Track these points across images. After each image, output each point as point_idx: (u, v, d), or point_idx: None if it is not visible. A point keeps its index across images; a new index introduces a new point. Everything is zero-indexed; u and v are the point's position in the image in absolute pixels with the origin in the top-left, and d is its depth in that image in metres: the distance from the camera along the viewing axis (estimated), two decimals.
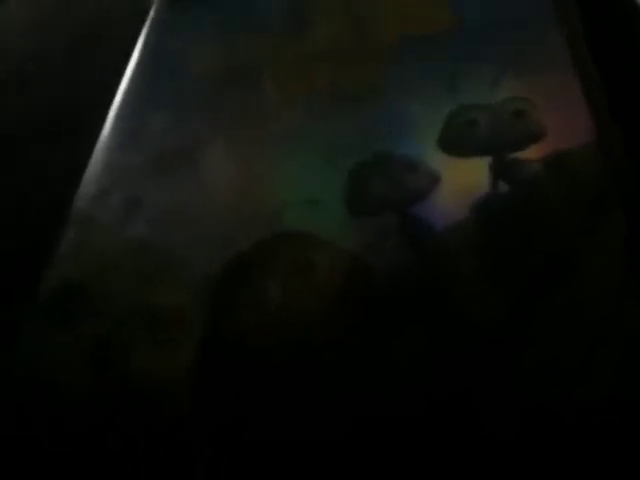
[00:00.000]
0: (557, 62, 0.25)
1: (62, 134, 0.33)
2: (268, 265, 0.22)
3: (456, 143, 0.23)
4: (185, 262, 0.23)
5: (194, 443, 0.19)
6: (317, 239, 0.22)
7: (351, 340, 0.20)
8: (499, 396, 0.18)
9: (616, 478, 0.17)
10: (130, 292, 0.23)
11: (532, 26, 0.26)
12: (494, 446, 0.18)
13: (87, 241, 0.25)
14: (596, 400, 0.18)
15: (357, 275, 0.21)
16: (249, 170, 0.25)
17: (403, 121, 0.25)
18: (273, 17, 0.31)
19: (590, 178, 0.21)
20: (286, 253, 0.22)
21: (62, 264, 0.24)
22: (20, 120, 0.36)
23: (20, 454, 0.21)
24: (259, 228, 0.23)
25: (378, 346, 0.20)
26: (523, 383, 0.18)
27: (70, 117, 0.34)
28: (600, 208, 0.21)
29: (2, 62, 0.40)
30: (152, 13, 0.34)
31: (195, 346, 0.21)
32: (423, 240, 0.21)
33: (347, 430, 0.19)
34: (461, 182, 0.22)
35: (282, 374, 0.20)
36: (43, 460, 0.20)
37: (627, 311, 0.19)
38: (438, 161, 0.23)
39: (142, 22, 0.34)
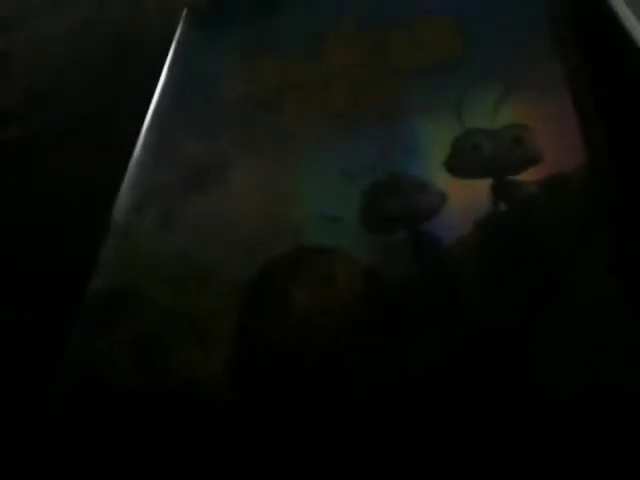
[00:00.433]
0: (555, 91, 0.26)
1: (95, 148, 0.35)
2: (293, 275, 0.24)
3: (461, 165, 0.25)
4: (216, 270, 0.25)
5: (231, 434, 0.22)
6: (337, 252, 0.24)
7: (368, 344, 0.22)
8: (508, 397, 0.20)
9: (618, 477, 0.19)
10: (167, 297, 0.25)
11: (532, 56, 0.28)
12: (504, 445, 0.20)
13: (126, 250, 0.27)
14: (599, 400, 0.19)
15: (373, 285, 0.23)
16: (273, 187, 0.27)
17: (413, 144, 0.27)
18: (294, 42, 0.33)
19: (583, 198, 0.23)
20: (309, 264, 0.24)
21: (104, 272, 0.27)
22: (54, 132, 0.38)
23: (70, 448, 0.23)
24: (283, 240, 0.25)
25: (394, 349, 0.22)
26: (530, 383, 0.20)
27: (102, 132, 0.36)
28: (592, 225, 0.22)
29: (29, 80, 0.42)
30: (178, 34, 0.36)
31: (228, 348, 0.23)
32: (432, 253, 0.23)
33: (367, 429, 0.21)
34: (466, 201, 0.24)
35: (306, 375, 0.22)
36: (92, 452, 0.23)
37: (622, 317, 0.20)
38: (445, 182, 0.25)
39: (169, 42, 0.36)
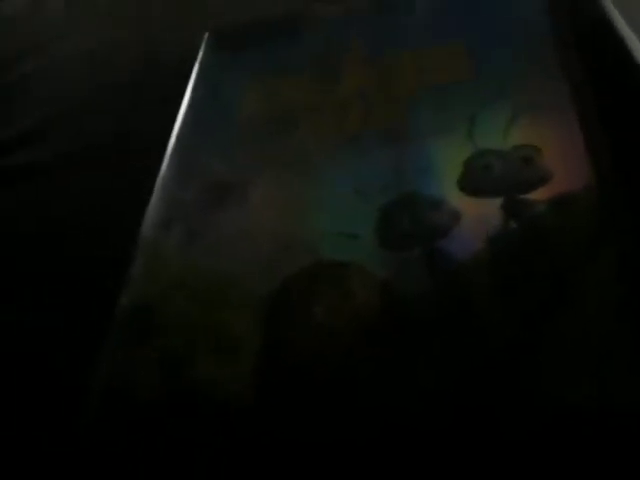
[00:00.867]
0: (562, 111, 0.27)
1: (117, 168, 0.37)
2: (311, 290, 0.25)
3: (474, 185, 0.26)
4: (238, 285, 0.26)
5: (255, 444, 0.23)
6: (353, 268, 0.25)
7: (382, 356, 0.23)
8: (516, 406, 0.21)
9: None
10: (193, 311, 0.26)
11: (540, 78, 0.29)
12: (512, 453, 0.21)
13: (154, 266, 0.28)
14: (605, 409, 0.20)
15: (389, 300, 0.24)
16: (292, 205, 0.29)
17: (427, 164, 0.28)
18: (309, 65, 0.34)
19: (590, 216, 0.24)
20: (327, 279, 0.25)
21: (133, 287, 0.28)
22: (70, 159, 0.39)
23: (104, 454, 0.24)
24: (302, 256, 0.26)
25: (406, 360, 0.23)
26: (537, 392, 0.21)
27: (124, 153, 0.37)
28: (598, 242, 0.23)
29: (46, 103, 0.43)
30: (200, 56, 0.38)
31: (252, 361, 0.24)
32: (445, 269, 0.24)
33: (380, 436, 0.22)
34: (478, 219, 0.25)
35: (324, 385, 0.23)
36: (123, 463, 0.24)
37: (628, 329, 0.21)
38: (458, 200, 0.26)
39: (191, 64, 0.37)
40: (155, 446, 0.24)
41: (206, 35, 0.39)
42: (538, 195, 0.25)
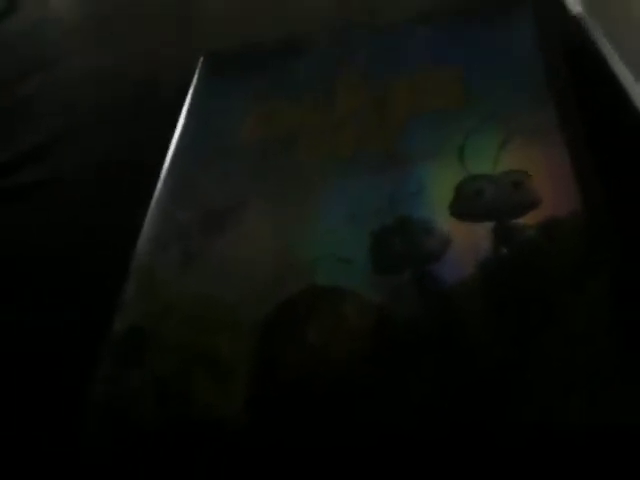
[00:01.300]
0: (551, 137, 0.28)
1: (119, 188, 0.37)
2: (306, 315, 0.26)
3: (465, 210, 0.27)
4: (233, 309, 0.27)
5: (252, 460, 0.23)
6: (347, 292, 0.26)
7: (376, 375, 0.23)
8: (504, 423, 0.21)
9: None
10: (186, 334, 0.27)
11: (530, 104, 0.29)
12: (500, 469, 0.21)
13: (147, 291, 0.29)
14: (593, 426, 0.21)
15: (381, 323, 0.25)
16: (286, 229, 0.29)
17: (419, 188, 0.28)
18: (305, 88, 0.35)
19: (578, 241, 0.25)
20: (321, 304, 0.26)
21: (127, 310, 0.28)
22: (73, 178, 0.39)
23: (101, 477, 0.24)
24: (297, 281, 0.27)
25: (398, 379, 0.23)
26: (525, 410, 0.21)
27: (125, 173, 0.37)
28: (587, 266, 0.24)
29: (49, 123, 0.43)
30: (196, 79, 0.38)
31: (246, 385, 0.24)
32: (437, 292, 0.25)
33: (374, 452, 0.22)
34: (469, 244, 0.26)
35: (318, 404, 0.23)
36: None
37: (612, 347, 0.22)
38: (449, 225, 0.26)
39: (186, 87, 0.38)
40: (151, 469, 0.24)
41: (201, 59, 0.39)
42: (528, 220, 0.26)
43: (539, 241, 0.25)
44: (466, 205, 0.27)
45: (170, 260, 0.29)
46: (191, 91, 0.37)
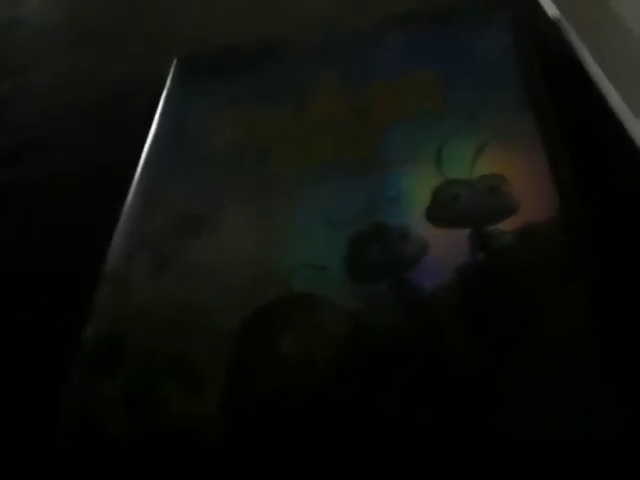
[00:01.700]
0: (529, 142, 0.28)
1: (90, 195, 0.36)
2: (282, 322, 0.25)
3: (442, 216, 0.27)
4: (207, 317, 0.26)
5: (227, 469, 0.23)
6: (323, 300, 0.25)
7: (353, 384, 0.23)
8: (479, 431, 0.21)
9: None
10: (159, 342, 0.26)
11: (508, 109, 0.29)
12: (475, 477, 0.21)
13: (119, 297, 0.28)
14: (568, 438, 0.20)
15: (357, 331, 0.24)
16: (261, 234, 0.29)
17: (396, 194, 0.28)
18: (280, 93, 0.34)
19: (555, 248, 0.24)
20: (298, 312, 0.25)
21: (98, 319, 0.28)
22: (46, 182, 0.39)
23: None
24: (272, 288, 0.26)
25: (375, 388, 0.23)
26: (500, 420, 0.21)
27: (97, 179, 0.37)
28: (564, 273, 0.24)
29: (22, 127, 0.43)
30: (169, 83, 0.37)
31: (220, 393, 0.24)
32: (414, 300, 0.25)
33: (349, 462, 0.22)
34: (446, 250, 0.25)
35: (293, 413, 0.23)
36: None
37: (590, 357, 0.21)
38: (426, 231, 0.26)
39: (159, 91, 0.37)
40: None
41: (174, 61, 0.38)
42: (505, 225, 0.26)
43: (516, 248, 0.25)
44: (442, 210, 0.27)
45: (143, 266, 0.29)
46: (164, 95, 0.37)
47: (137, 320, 0.27)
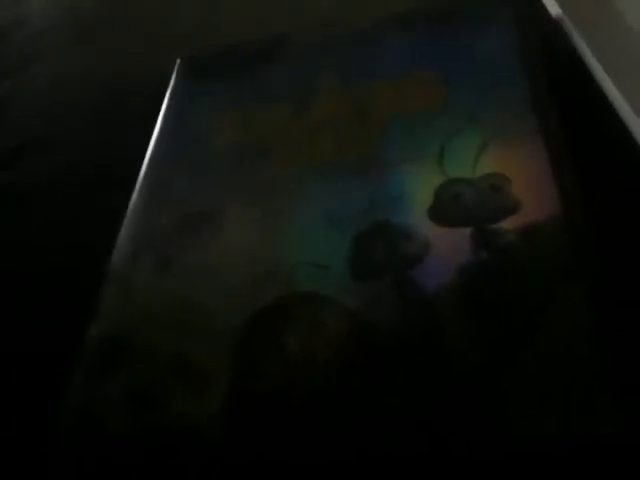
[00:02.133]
0: (531, 141, 0.28)
1: (92, 195, 0.36)
2: (285, 320, 0.25)
3: (444, 214, 0.27)
4: (209, 316, 0.26)
5: (229, 469, 0.23)
6: (325, 299, 0.25)
7: (354, 383, 0.23)
8: (478, 429, 0.21)
9: None
10: (162, 343, 0.26)
11: (510, 107, 0.29)
12: (476, 476, 0.21)
13: (123, 297, 0.28)
14: (569, 437, 0.20)
15: (360, 330, 0.24)
16: (263, 234, 0.28)
17: (398, 193, 0.28)
18: (281, 93, 0.34)
19: (558, 247, 0.24)
20: (300, 310, 0.25)
21: (102, 318, 0.27)
22: (46, 182, 0.39)
23: None
24: (274, 287, 0.26)
25: (377, 387, 0.23)
26: (501, 419, 0.21)
27: (98, 179, 0.37)
28: (567, 272, 0.24)
29: (22, 127, 0.43)
30: (172, 83, 0.37)
31: (223, 393, 0.24)
32: (416, 299, 0.25)
33: (351, 460, 0.22)
34: (448, 249, 0.25)
35: (298, 412, 0.23)
36: None
37: (592, 357, 0.21)
38: (429, 230, 0.26)
39: (159, 91, 0.37)
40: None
41: (177, 62, 0.38)
42: (507, 224, 0.25)
43: (518, 246, 0.25)
44: (444, 210, 0.27)
45: (145, 267, 0.29)
46: (167, 95, 0.37)
47: (140, 320, 0.27)
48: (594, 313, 0.22)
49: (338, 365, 0.24)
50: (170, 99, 0.36)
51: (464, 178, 0.28)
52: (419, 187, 0.28)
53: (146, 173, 0.33)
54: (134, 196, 0.32)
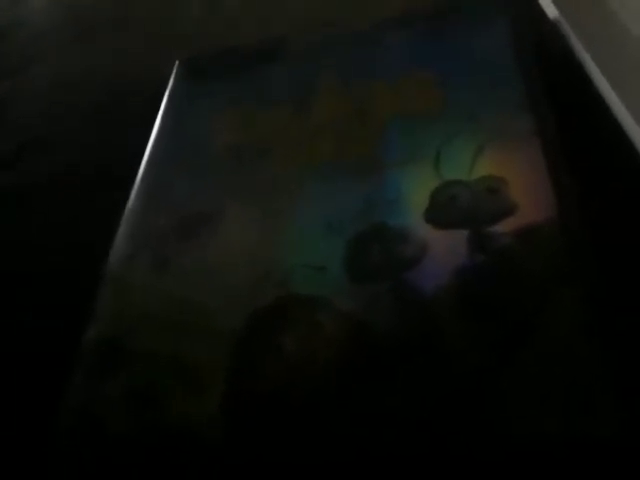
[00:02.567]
0: (527, 144, 0.28)
1: (90, 196, 0.36)
2: (280, 324, 0.25)
3: (440, 217, 0.27)
4: (207, 317, 0.26)
5: (228, 469, 0.23)
6: (323, 301, 0.25)
7: (353, 383, 0.23)
8: (478, 429, 0.21)
9: None
10: (160, 344, 0.26)
11: (507, 110, 0.29)
12: (475, 476, 0.21)
13: (120, 298, 0.28)
14: (568, 437, 0.20)
15: (357, 332, 0.24)
16: (262, 235, 0.29)
17: (395, 195, 0.28)
18: (280, 94, 0.34)
19: (554, 249, 0.24)
20: (297, 312, 0.25)
21: (99, 320, 0.28)
22: (46, 182, 0.39)
23: None
24: (272, 289, 0.26)
25: (375, 388, 0.23)
26: (497, 416, 0.21)
27: (98, 180, 0.37)
28: (563, 274, 0.24)
29: (22, 127, 0.43)
30: (171, 85, 0.38)
31: (221, 393, 0.24)
32: (413, 301, 0.25)
33: (350, 461, 0.22)
34: (445, 251, 0.25)
35: (298, 412, 0.23)
36: None
37: (590, 357, 0.22)
38: (425, 233, 0.26)
39: (159, 91, 0.37)
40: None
41: (176, 63, 0.39)
42: (503, 227, 0.26)
43: (514, 249, 0.25)
44: (441, 212, 0.27)
45: (144, 267, 0.29)
46: (166, 96, 0.37)
47: (139, 320, 0.27)
48: (591, 315, 0.23)
49: (337, 366, 0.24)
50: (169, 101, 0.37)
51: (461, 180, 0.28)
52: (416, 189, 0.28)
53: (144, 174, 0.33)
54: (132, 197, 0.32)
